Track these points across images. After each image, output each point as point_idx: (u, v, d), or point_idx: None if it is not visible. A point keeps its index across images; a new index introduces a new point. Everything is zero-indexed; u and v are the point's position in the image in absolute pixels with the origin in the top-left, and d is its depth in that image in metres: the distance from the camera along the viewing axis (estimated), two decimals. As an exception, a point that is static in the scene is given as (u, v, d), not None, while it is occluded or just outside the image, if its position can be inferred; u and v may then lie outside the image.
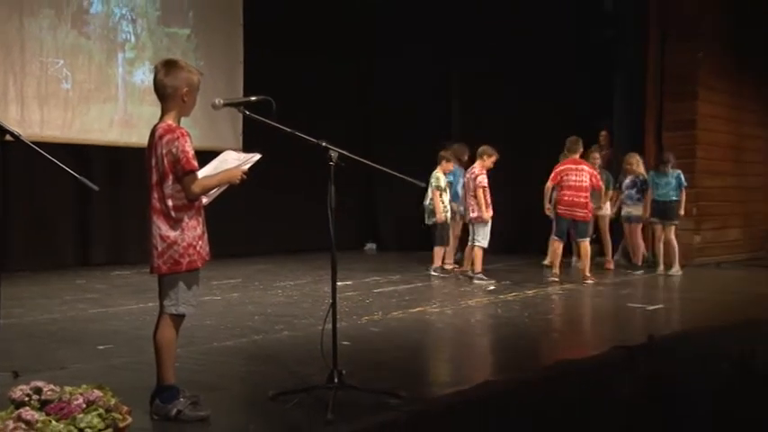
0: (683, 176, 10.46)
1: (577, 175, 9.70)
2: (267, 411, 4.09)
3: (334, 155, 4.30)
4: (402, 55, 13.73)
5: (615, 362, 5.30)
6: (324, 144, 4.32)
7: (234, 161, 4.16)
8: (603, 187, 10.50)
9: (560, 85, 12.42)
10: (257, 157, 4.22)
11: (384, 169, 4.83)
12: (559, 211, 9.75)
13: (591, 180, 9.71)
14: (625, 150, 11.44)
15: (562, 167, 9.80)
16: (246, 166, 4.14)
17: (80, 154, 10.32)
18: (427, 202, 10.27)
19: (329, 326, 4.33)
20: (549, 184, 9.82)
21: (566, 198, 9.68)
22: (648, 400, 3.11)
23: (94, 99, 10.82)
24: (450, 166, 10.40)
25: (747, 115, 12.86)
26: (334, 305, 4.35)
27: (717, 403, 4.11)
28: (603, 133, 12.01)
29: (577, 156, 9.88)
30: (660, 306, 7.94)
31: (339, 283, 4.60)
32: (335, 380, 4.22)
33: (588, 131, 12.03)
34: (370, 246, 14.60)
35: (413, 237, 11.53)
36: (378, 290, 8.88)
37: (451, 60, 14.00)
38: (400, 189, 12.63)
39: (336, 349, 4.32)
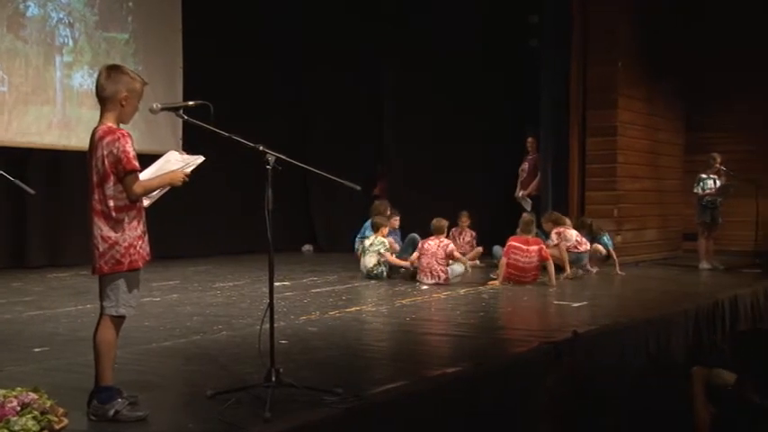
0: None
1: (525, 255, 9.58)
2: (206, 410, 4.08)
3: (271, 158, 4.34)
4: (334, 56, 13.90)
5: (542, 356, 5.47)
6: (261, 148, 4.35)
7: (177, 162, 4.21)
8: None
9: (489, 92, 12.69)
10: (200, 159, 4.27)
11: (320, 172, 4.88)
12: (506, 274, 9.57)
13: (540, 254, 9.57)
14: (552, 155, 11.75)
15: (513, 244, 9.68)
16: (189, 169, 4.20)
17: (17, 157, 10.20)
18: (372, 267, 10.06)
19: (267, 325, 4.37)
20: (503, 260, 9.67)
21: (513, 272, 9.59)
22: (572, 393, 3.27)
23: (32, 102, 10.72)
24: (386, 230, 10.36)
25: (662, 122, 13.25)
26: (271, 305, 4.40)
27: (633, 394, 4.31)
28: (530, 139, 12.32)
29: (530, 236, 9.76)
30: (584, 303, 8.11)
31: (277, 284, 4.67)
32: (273, 378, 4.25)
33: (516, 138, 12.35)
34: (307, 247, 14.70)
35: (349, 238, 11.63)
36: (315, 290, 8.96)
37: (383, 67, 14.16)
38: (336, 191, 12.85)
39: (274, 348, 4.36)
